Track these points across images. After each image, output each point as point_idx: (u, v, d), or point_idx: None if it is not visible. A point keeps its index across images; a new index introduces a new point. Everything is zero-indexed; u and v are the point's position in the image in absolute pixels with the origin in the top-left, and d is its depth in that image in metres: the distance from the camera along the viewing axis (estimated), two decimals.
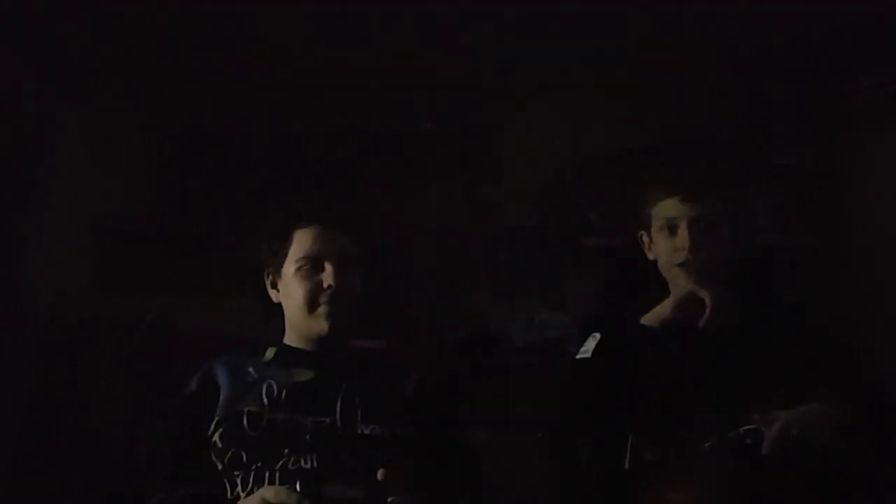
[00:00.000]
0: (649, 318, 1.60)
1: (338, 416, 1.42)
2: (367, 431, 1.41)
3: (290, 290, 1.52)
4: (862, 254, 2.46)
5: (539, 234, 2.73)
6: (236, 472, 1.36)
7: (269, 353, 1.53)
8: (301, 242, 1.52)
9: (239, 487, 1.35)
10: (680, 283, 1.63)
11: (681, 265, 1.61)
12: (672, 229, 1.62)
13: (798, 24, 2.30)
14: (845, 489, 1.40)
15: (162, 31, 2.33)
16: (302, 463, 1.36)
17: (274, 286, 1.58)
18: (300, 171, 2.81)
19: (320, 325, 1.49)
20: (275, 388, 1.44)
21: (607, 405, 1.58)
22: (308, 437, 1.38)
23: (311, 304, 1.49)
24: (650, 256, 1.72)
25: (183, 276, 2.66)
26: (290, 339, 1.57)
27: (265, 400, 1.42)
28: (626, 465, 1.52)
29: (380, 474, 1.23)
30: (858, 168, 2.52)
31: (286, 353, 1.54)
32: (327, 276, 1.48)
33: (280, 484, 1.33)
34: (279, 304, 1.58)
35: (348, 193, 2.74)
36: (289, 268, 1.52)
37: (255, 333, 1.57)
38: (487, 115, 2.80)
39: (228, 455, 1.37)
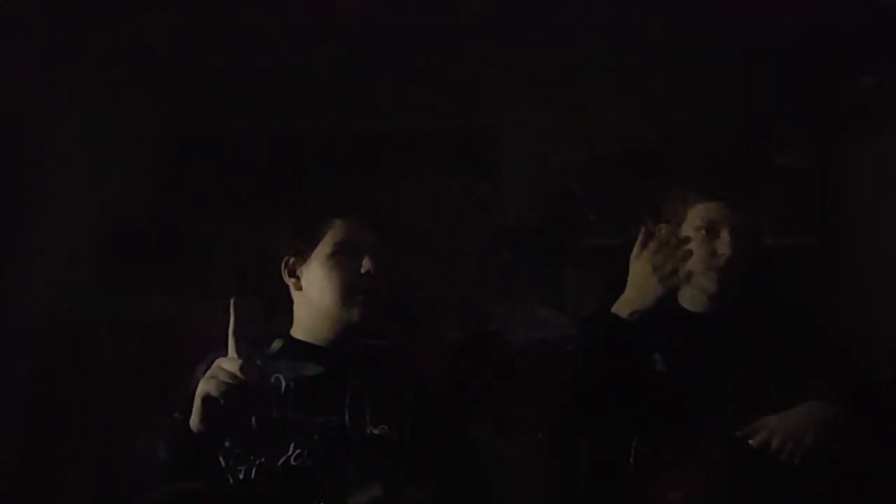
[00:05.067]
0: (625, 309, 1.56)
1: (346, 416, 1.42)
2: (375, 432, 1.41)
3: (319, 277, 1.52)
4: (862, 254, 2.47)
5: (539, 234, 2.73)
6: (240, 467, 1.36)
7: (276, 344, 1.53)
8: (340, 229, 1.53)
9: (241, 478, 1.35)
10: (707, 286, 1.63)
11: (715, 269, 1.61)
12: (711, 232, 1.61)
13: (798, 23, 2.30)
14: (844, 488, 1.40)
15: (162, 31, 2.33)
16: (306, 458, 1.36)
17: (293, 274, 1.58)
18: (300, 171, 2.81)
19: (352, 312, 1.49)
20: (282, 382, 1.44)
21: (607, 404, 1.58)
22: (316, 436, 1.39)
23: (348, 290, 1.49)
24: None
25: (183, 276, 2.66)
26: (298, 332, 1.57)
27: (272, 395, 1.42)
28: (631, 464, 1.52)
29: None
30: (858, 168, 2.53)
31: (293, 346, 1.54)
32: (366, 263, 1.50)
33: (282, 483, 1.33)
34: (286, 298, 1.59)
35: (348, 193, 2.75)
36: (321, 253, 1.53)
37: (256, 331, 1.57)
38: (487, 115, 2.80)
39: (234, 452, 1.38)
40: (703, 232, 1.61)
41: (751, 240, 1.61)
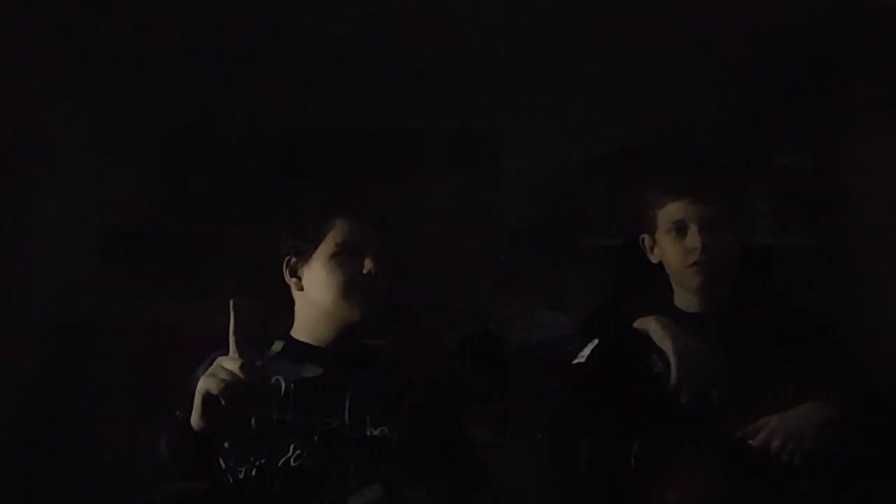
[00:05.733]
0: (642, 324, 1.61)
1: (346, 418, 1.42)
2: (375, 433, 1.41)
3: (320, 277, 1.53)
4: (862, 254, 2.47)
5: (539, 234, 2.73)
6: (240, 468, 1.37)
7: (276, 345, 1.53)
8: (341, 230, 1.54)
9: (241, 478, 1.35)
10: (690, 285, 1.64)
11: (692, 266, 1.62)
12: (681, 231, 1.62)
13: (798, 24, 2.30)
14: (844, 488, 1.39)
15: (162, 31, 2.33)
16: (306, 459, 1.36)
17: (294, 274, 1.58)
18: (300, 171, 2.81)
19: (353, 312, 1.50)
20: (282, 383, 1.44)
21: (607, 408, 1.59)
22: (316, 437, 1.39)
23: (349, 291, 1.50)
24: (653, 260, 1.72)
25: (183, 276, 2.66)
26: (299, 332, 1.57)
27: (272, 396, 1.42)
28: (632, 465, 1.52)
29: None
30: (858, 168, 2.53)
31: (294, 347, 1.54)
32: (368, 264, 1.50)
33: (282, 484, 1.33)
34: (287, 299, 1.59)
35: (349, 193, 2.75)
36: (322, 253, 1.53)
37: (257, 332, 1.57)
38: (487, 115, 2.80)
39: (234, 454, 1.38)
40: (674, 232, 1.63)
41: (724, 231, 1.62)
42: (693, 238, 1.60)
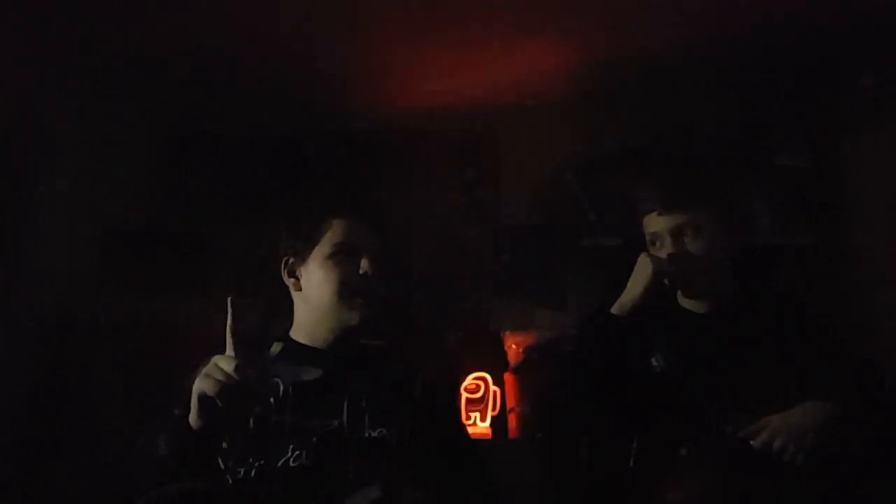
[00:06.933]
0: (620, 307, 1.63)
1: (345, 419, 1.42)
2: (374, 434, 1.41)
3: (318, 277, 1.52)
4: (862, 253, 2.47)
5: (539, 234, 2.73)
6: (238, 469, 1.36)
7: (275, 347, 1.53)
8: (338, 230, 1.54)
9: (241, 478, 1.35)
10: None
11: (672, 273, 1.63)
12: (657, 243, 1.65)
13: (798, 23, 2.30)
14: (846, 488, 1.39)
15: (162, 31, 2.33)
16: (304, 461, 1.36)
17: (292, 274, 1.58)
18: (300, 171, 2.81)
19: (351, 314, 1.50)
20: (280, 386, 1.44)
21: (607, 407, 1.59)
22: (315, 439, 1.39)
23: (346, 291, 1.50)
24: None
25: (183, 276, 2.66)
26: (297, 333, 1.57)
27: (271, 399, 1.42)
28: (631, 465, 1.53)
29: None
30: (858, 168, 2.53)
31: (292, 349, 1.54)
32: (364, 264, 1.50)
33: (281, 485, 1.33)
34: (286, 299, 1.58)
35: (348, 193, 2.74)
36: (319, 254, 1.53)
37: (255, 332, 1.56)
38: (487, 115, 2.80)
39: (233, 455, 1.38)
40: (653, 244, 1.67)
41: (703, 236, 1.63)
42: (667, 249, 1.64)
